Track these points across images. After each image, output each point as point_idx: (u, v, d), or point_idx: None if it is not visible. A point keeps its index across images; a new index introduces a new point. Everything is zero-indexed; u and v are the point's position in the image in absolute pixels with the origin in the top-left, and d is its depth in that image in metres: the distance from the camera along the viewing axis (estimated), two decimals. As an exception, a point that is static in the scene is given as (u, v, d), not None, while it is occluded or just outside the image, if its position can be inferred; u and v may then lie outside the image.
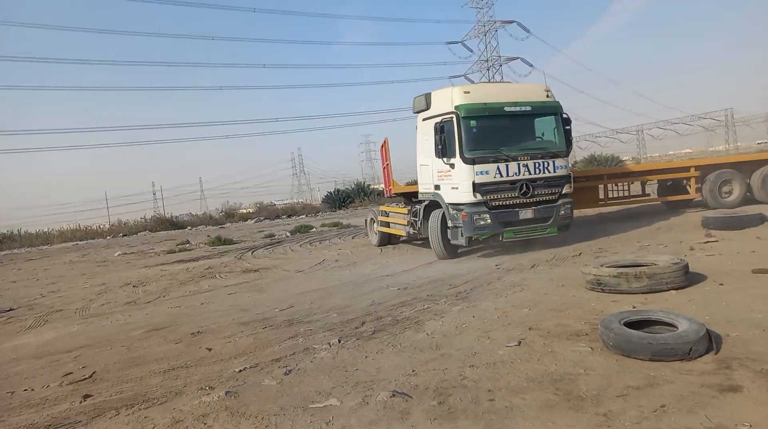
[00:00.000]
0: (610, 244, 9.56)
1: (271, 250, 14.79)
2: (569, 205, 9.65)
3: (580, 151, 47.05)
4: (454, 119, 9.15)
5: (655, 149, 71.76)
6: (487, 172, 9.07)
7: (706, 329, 3.80)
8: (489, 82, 49.19)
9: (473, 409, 3.25)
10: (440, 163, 9.51)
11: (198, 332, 6.09)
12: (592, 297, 5.71)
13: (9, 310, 8.89)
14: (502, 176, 9.14)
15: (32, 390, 4.60)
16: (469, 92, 9.41)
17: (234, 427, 3.37)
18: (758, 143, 68.82)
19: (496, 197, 9.11)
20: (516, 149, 9.33)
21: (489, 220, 9.04)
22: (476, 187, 9.00)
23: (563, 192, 9.58)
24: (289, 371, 4.34)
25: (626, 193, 13.50)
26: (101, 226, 33.23)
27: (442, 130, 9.28)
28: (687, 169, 12.95)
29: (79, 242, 27.63)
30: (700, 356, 3.65)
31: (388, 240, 12.89)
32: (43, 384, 4.71)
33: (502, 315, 5.41)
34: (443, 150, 9.29)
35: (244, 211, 41.33)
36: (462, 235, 9.24)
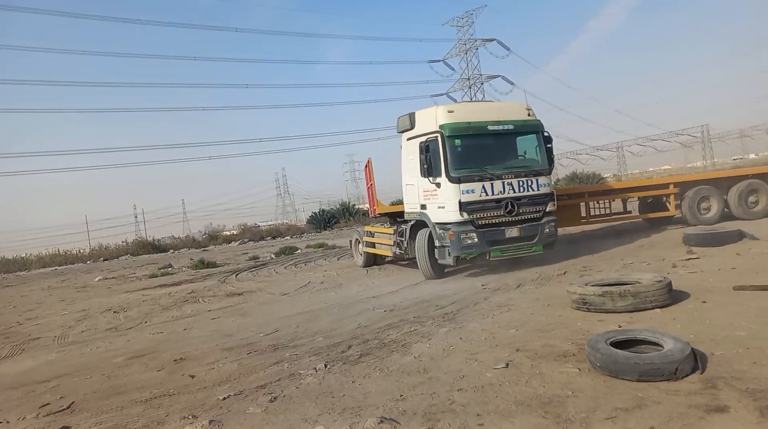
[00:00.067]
0: (594, 262, 9.63)
1: (255, 272, 14.64)
2: (553, 223, 9.74)
3: (562, 169, 47.66)
4: (439, 138, 9.23)
5: (636, 166, 73.05)
6: (472, 191, 9.12)
7: (691, 348, 3.82)
8: (471, 100, 49.87)
9: (462, 435, 3.20)
10: (426, 183, 9.55)
11: (181, 359, 5.96)
12: (578, 316, 5.72)
13: (-16, 339, 8.63)
14: (487, 195, 9.20)
15: (7, 422, 4.44)
16: (452, 111, 9.51)
17: (218, 459, 3.28)
18: (734, 159, 70.56)
19: (482, 216, 9.15)
20: (500, 168, 9.42)
21: (476, 239, 9.06)
22: (463, 206, 9.04)
23: (547, 210, 9.67)
24: (275, 398, 4.25)
25: (608, 211, 13.67)
26: (81, 251, 32.72)
27: (427, 150, 9.34)
28: (666, 186, 13.16)
29: (59, 267, 27.11)
30: (687, 376, 3.66)
31: (373, 261, 12.84)
32: (19, 416, 4.56)
33: (489, 336, 5.39)
34: (429, 169, 9.33)
35: (228, 233, 40.93)
36: (449, 255, 9.24)
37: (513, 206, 9.29)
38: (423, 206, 9.90)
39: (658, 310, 5.56)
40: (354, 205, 41.99)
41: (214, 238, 36.30)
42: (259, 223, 50.34)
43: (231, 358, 5.74)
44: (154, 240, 34.98)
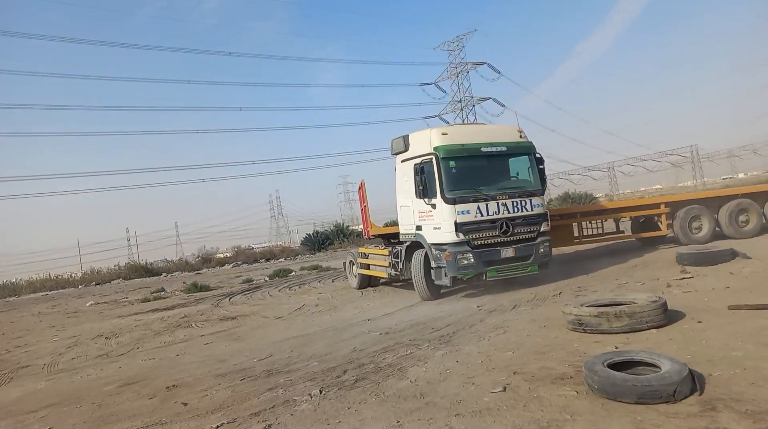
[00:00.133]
0: (588, 282, 9.63)
1: (249, 296, 14.53)
2: (548, 243, 9.77)
3: (554, 189, 48.02)
4: (434, 160, 9.30)
5: (627, 186, 73.72)
6: (468, 212, 9.16)
7: (689, 369, 3.81)
8: (463, 122, 50.36)
9: (460, 462, 3.15)
10: (421, 204, 9.59)
11: (173, 386, 5.87)
12: (575, 337, 5.70)
13: (-28, 368, 8.47)
14: (482, 215, 9.24)
15: (-6, 456, 4.33)
16: (446, 134, 9.62)
17: (211, 491, 3.21)
18: (723, 179, 71.41)
19: (477, 236, 9.18)
20: (494, 188, 9.48)
21: (472, 260, 9.07)
22: (458, 227, 9.07)
23: (541, 230, 9.71)
24: (269, 426, 4.18)
25: (600, 231, 13.72)
26: (73, 275, 32.34)
27: (422, 171, 9.40)
28: (657, 205, 13.26)
29: (50, 292, 26.77)
30: (685, 398, 3.63)
31: (368, 282, 12.78)
32: (6, 449, 4.45)
33: (486, 359, 5.34)
34: (424, 190, 9.38)
35: (222, 255, 40.74)
36: (446, 275, 9.24)
37: (508, 227, 9.33)
38: (419, 227, 9.92)
39: (653, 330, 5.55)
40: (348, 226, 41.98)
41: (207, 260, 36.06)
42: (253, 246, 50.21)
43: (224, 384, 5.66)
44: (146, 263, 34.73)
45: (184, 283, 20.98)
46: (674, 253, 10.41)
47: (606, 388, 3.82)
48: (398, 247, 10.85)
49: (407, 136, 10.41)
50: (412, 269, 10.07)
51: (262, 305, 12.29)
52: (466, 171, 9.50)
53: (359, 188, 13.39)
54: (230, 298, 14.15)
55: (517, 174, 10.14)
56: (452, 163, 9.34)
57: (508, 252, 9.34)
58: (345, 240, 35.09)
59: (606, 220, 13.89)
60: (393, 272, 11.04)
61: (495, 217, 9.31)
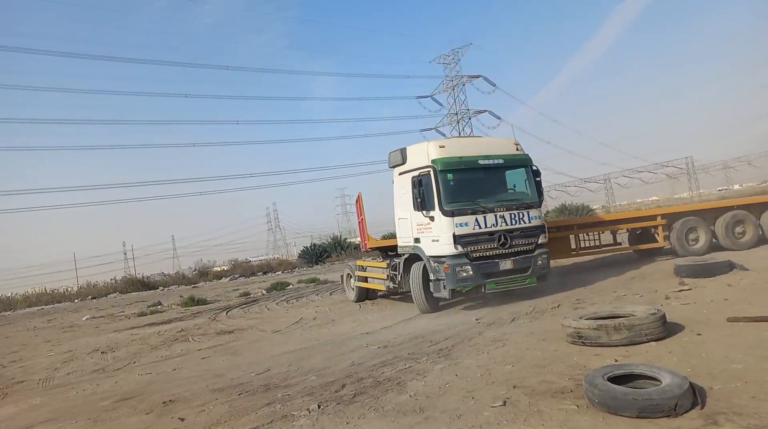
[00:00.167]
0: (586, 294, 9.62)
1: (246, 309, 14.45)
2: (546, 255, 9.79)
3: (551, 201, 48.03)
4: (432, 173, 9.34)
5: (623, 197, 73.94)
6: (466, 224, 9.18)
7: (690, 383, 3.80)
8: (459, 135, 50.64)
9: (461, 478, 3.12)
10: (419, 216, 9.60)
11: (170, 401, 5.81)
12: (574, 351, 5.68)
13: (-34, 383, 8.37)
14: (480, 227, 9.26)
15: (-12, 474, 4.27)
16: (444, 146, 9.67)
17: None
18: (719, 190, 71.71)
19: (476, 249, 9.19)
20: (492, 201, 9.52)
21: (471, 272, 9.07)
22: (457, 239, 9.08)
23: (539, 242, 9.74)
24: (267, 442, 4.14)
25: (597, 243, 13.74)
26: (69, 289, 32.12)
27: (420, 184, 9.44)
28: (653, 217, 13.29)
29: (45, 306, 26.56)
30: (686, 411, 3.61)
31: (366, 295, 12.73)
32: (1, 466, 4.39)
33: (485, 373, 5.32)
34: (422, 203, 9.41)
35: (219, 269, 40.61)
36: (445, 288, 9.22)
37: (506, 239, 9.34)
38: (417, 240, 9.92)
39: (653, 342, 5.54)
40: (346, 239, 41.93)
41: (204, 274, 35.89)
42: (250, 259, 50.00)
43: (221, 399, 5.61)
44: (143, 277, 34.50)
45: (181, 296, 20.87)
46: (672, 265, 10.42)
47: (606, 402, 3.80)
48: (396, 260, 10.83)
49: (404, 148, 10.45)
50: (410, 282, 10.04)
51: (259, 319, 12.22)
52: (463, 183, 9.53)
53: (356, 201, 13.41)
54: (227, 312, 14.07)
55: (514, 186, 10.18)
56: (450, 176, 9.38)
57: (506, 264, 9.34)
58: (342, 253, 35.06)
59: (603, 232, 13.90)
60: (391, 285, 11.00)
61: (493, 229, 9.33)
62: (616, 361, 4.98)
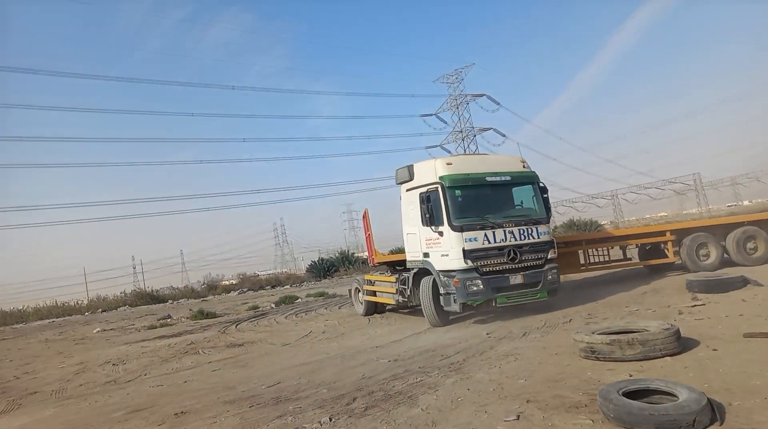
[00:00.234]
0: (598, 309, 9.56)
1: (255, 322, 14.46)
2: (555, 270, 9.77)
3: (559, 217, 47.86)
4: (440, 189, 9.41)
5: (631, 213, 73.32)
6: (475, 239, 9.21)
7: (708, 398, 3.76)
8: (465, 152, 50.73)
9: (477, 492, 3.10)
10: (428, 231, 9.64)
11: (181, 413, 5.82)
12: (587, 365, 5.64)
13: (-21, 394, 8.43)
14: (490, 242, 9.28)
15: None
16: (451, 163, 9.76)
17: None
18: (728, 206, 70.99)
19: (486, 263, 9.21)
20: (500, 217, 9.55)
21: (481, 286, 9.08)
22: (466, 254, 9.10)
23: (548, 257, 9.73)
24: (280, 454, 4.13)
25: (606, 258, 13.64)
26: (79, 302, 32.31)
27: (428, 200, 9.50)
28: (662, 233, 13.21)
29: (56, 319, 26.71)
30: (705, 428, 3.58)
31: (374, 309, 12.74)
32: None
33: (498, 387, 5.29)
34: (431, 218, 9.47)
35: (227, 282, 40.63)
36: (455, 302, 9.23)
37: (515, 254, 9.35)
38: (426, 254, 9.94)
39: (668, 358, 5.49)
40: (353, 253, 41.92)
41: (213, 287, 36.01)
42: (259, 273, 50.04)
43: (233, 411, 5.61)
44: (152, 291, 34.60)
45: (190, 310, 20.91)
46: (684, 280, 10.33)
47: (622, 417, 3.76)
48: (405, 274, 10.86)
49: (411, 165, 10.55)
50: (420, 296, 10.06)
51: (269, 332, 12.22)
52: (471, 199, 9.59)
53: (363, 217, 13.49)
54: (237, 325, 14.09)
55: (522, 202, 10.24)
56: (458, 192, 9.46)
57: (516, 278, 9.35)
58: (350, 267, 35.03)
59: (612, 248, 13.82)
60: (401, 299, 11.03)
61: (502, 244, 9.35)
62: (631, 376, 4.94)
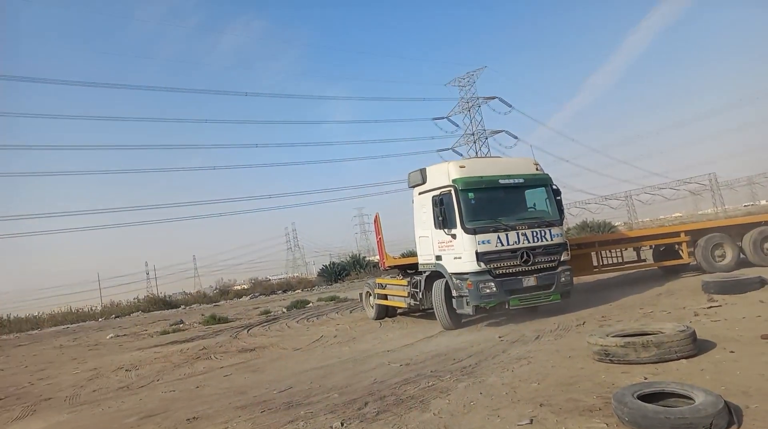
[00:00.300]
0: (612, 311, 9.45)
1: (267, 327, 14.49)
2: (569, 272, 9.69)
3: (572, 218, 47.55)
4: (453, 192, 9.39)
5: (645, 214, 72.61)
6: (488, 242, 9.18)
7: (725, 401, 3.68)
8: (477, 155, 50.62)
9: (490, 497, 3.06)
10: (441, 234, 9.62)
11: (194, 418, 5.83)
12: (601, 368, 5.56)
13: (-5, 400, 8.52)
14: (503, 245, 9.25)
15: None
16: (464, 167, 9.73)
17: None
18: (745, 206, 70.01)
19: (499, 265, 9.18)
20: (513, 219, 9.51)
21: (494, 288, 9.04)
22: (479, 256, 9.07)
23: (562, 259, 9.66)
24: (292, 459, 4.11)
25: (620, 260, 13.49)
26: (93, 308, 32.64)
27: (441, 203, 9.50)
28: (677, 234, 13.02)
29: (71, 325, 27.00)
30: (722, 431, 3.51)
31: (385, 312, 12.73)
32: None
33: (511, 390, 5.23)
34: (444, 221, 9.45)
35: (239, 287, 40.91)
36: (468, 304, 9.20)
37: (528, 256, 9.30)
38: (438, 257, 9.91)
39: (683, 360, 5.40)
40: (364, 257, 41.93)
41: (225, 293, 36.21)
42: (270, 277, 50.27)
43: (245, 416, 5.61)
44: (165, 296, 34.91)
45: (202, 315, 21.03)
46: (699, 282, 10.19)
47: (637, 421, 3.70)
48: (417, 277, 10.83)
49: (424, 169, 10.54)
50: (433, 298, 10.05)
51: (280, 337, 12.24)
52: (484, 202, 9.56)
53: (374, 221, 13.52)
54: (248, 330, 14.12)
55: (535, 205, 10.18)
56: (471, 195, 9.43)
57: (529, 281, 9.29)
58: (361, 271, 35.03)
59: (626, 249, 13.67)
60: (413, 302, 11.00)
61: (515, 246, 9.30)
62: (646, 379, 4.87)
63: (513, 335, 8.40)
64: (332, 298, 20.97)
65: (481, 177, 9.61)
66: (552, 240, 9.60)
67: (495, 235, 9.25)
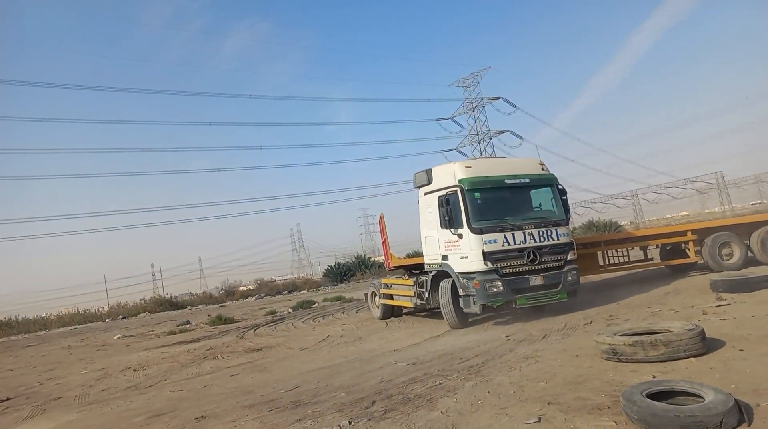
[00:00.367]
0: (619, 310, 9.41)
1: (273, 327, 14.52)
2: (575, 271, 9.69)
3: (578, 218, 47.43)
4: (459, 192, 9.41)
5: (652, 213, 72.15)
6: (495, 241, 9.19)
7: (735, 399, 3.66)
8: (481, 155, 50.52)
9: (499, 495, 3.05)
10: (447, 234, 9.64)
11: (201, 417, 5.85)
12: (609, 367, 5.54)
13: (6, 400, 8.59)
14: (509, 244, 9.26)
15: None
16: (470, 167, 9.76)
17: None
18: (752, 204, 69.50)
19: (505, 265, 9.20)
20: (519, 219, 9.53)
21: (501, 288, 9.05)
22: (486, 256, 9.09)
23: (568, 258, 9.65)
24: (300, 458, 4.12)
25: (626, 259, 13.42)
26: (100, 309, 32.86)
27: (447, 203, 9.52)
28: (683, 233, 12.95)
29: (78, 326, 27.16)
30: (732, 429, 3.49)
31: (391, 312, 12.74)
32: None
33: (518, 389, 5.22)
34: (450, 221, 9.48)
35: (245, 288, 41.01)
36: (475, 303, 9.21)
37: (535, 255, 9.30)
38: (444, 257, 9.92)
39: (692, 359, 5.37)
40: (369, 257, 41.96)
41: (230, 293, 36.34)
42: (276, 278, 50.37)
43: (252, 415, 5.62)
44: (171, 297, 35.02)
45: (208, 315, 21.11)
46: (707, 280, 10.13)
47: (646, 419, 3.68)
48: (423, 277, 10.85)
49: (430, 169, 10.56)
50: (440, 298, 10.07)
51: (286, 336, 12.26)
52: (490, 202, 9.58)
53: (379, 221, 13.53)
54: (255, 330, 14.16)
55: (541, 205, 10.20)
56: (477, 195, 9.45)
57: (536, 280, 9.29)
58: (367, 271, 35.06)
59: (632, 248, 13.60)
60: (419, 302, 11.02)
61: (522, 246, 9.31)
62: (654, 377, 4.85)
63: (520, 334, 8.38)
64: (338, 299, 21.00)
65: (487, 177, 9.63)
66: (558, 239, 9.60)
67: (501, 234, 9.26)
